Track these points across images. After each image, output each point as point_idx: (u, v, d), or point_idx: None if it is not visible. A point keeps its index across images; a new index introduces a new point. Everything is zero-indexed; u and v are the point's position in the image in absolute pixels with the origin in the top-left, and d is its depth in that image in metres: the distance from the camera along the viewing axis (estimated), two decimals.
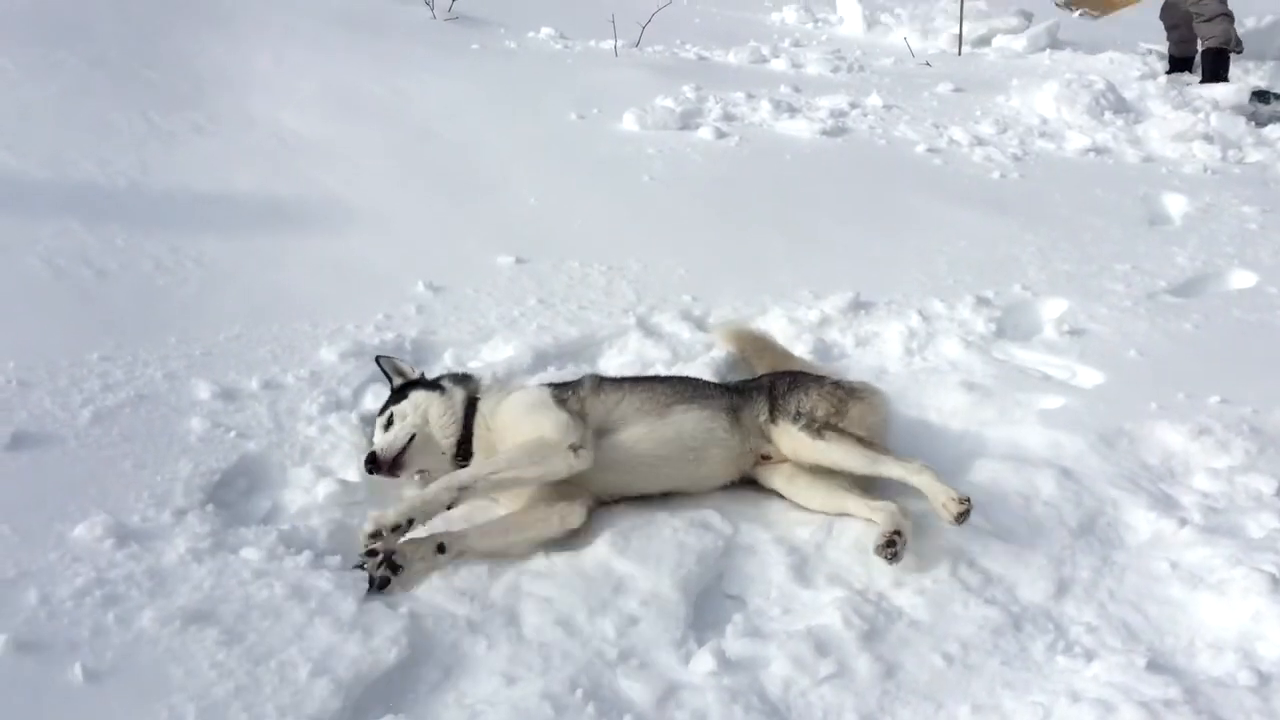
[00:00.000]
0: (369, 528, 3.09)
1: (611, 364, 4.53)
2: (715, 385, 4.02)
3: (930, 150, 8.06)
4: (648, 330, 4.78)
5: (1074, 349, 4.83)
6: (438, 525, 3.26)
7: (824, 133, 8.13)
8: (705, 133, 7.78)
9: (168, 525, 3.11)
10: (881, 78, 10.34)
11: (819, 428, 3.69)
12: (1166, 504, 3.66)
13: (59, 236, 4.79)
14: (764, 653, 2.98)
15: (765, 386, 3.96)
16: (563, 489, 3.49)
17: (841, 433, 3.69)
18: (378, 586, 3.05)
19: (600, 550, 3.35)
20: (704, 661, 2.91)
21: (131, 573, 2.89)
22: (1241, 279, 5.91)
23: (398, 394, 3.77)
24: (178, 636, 2.72)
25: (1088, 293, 5.47)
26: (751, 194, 6.74)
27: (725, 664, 2.91)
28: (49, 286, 4.40)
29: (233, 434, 3.64)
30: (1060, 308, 5.27)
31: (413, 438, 3.54)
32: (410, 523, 3.12)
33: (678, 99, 8.46)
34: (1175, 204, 7.27)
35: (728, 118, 8.26)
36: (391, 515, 3.10)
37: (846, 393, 3.90)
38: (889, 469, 3.58)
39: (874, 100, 9.20)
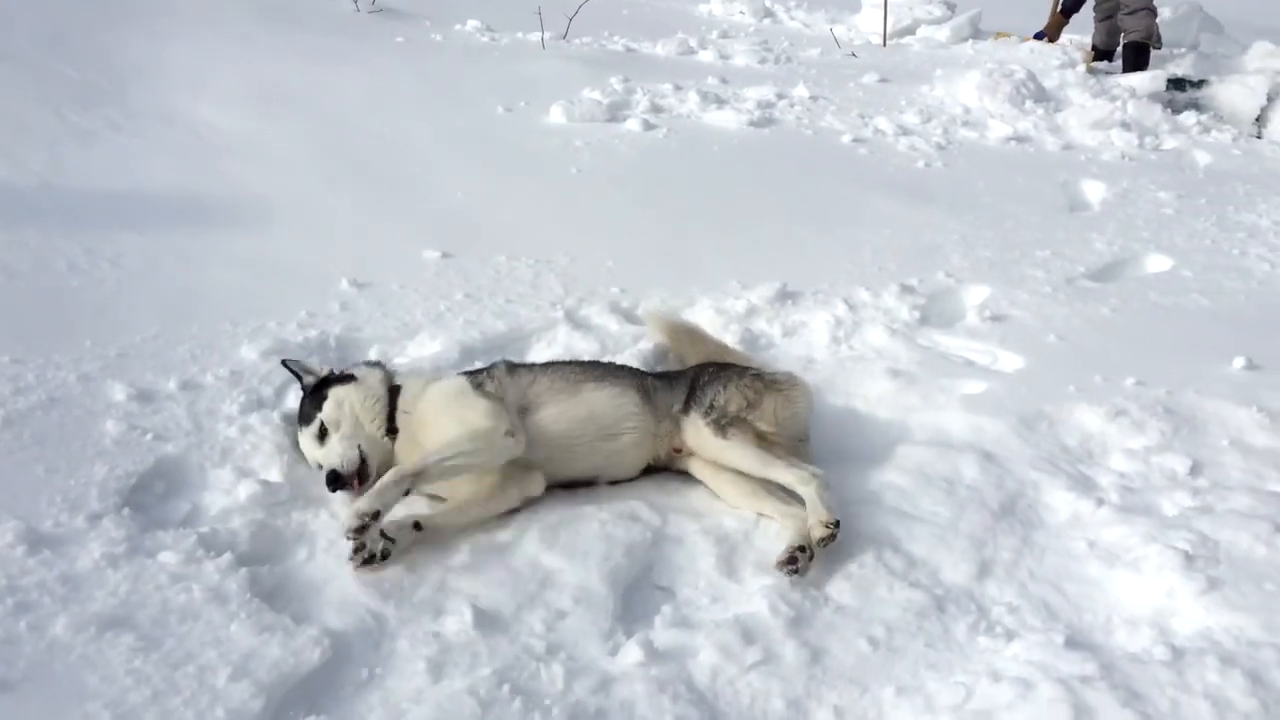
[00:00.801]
0: (353, 521, 3.09)
1: (540, 357, 4.50)
2: (629, 369, 4.06)
3: (856, 140, 8.13)
4: (576, 323, 4.77)
5: (995, 334, 4.91)
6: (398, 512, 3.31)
7: (751, 124, 8.17)
8: (633, 124, 7.77)
9: (82, 530, 3.04)
10: (808, 69, 10.43)
11: (725, 424, 3.69)
12: (1085, 484, 3.73)
13: None
14: (692, 642, 2.99)
15: (690, 376, 3.97)
16: (507, 469, 3.53)
17: (746, 431, 3.68)
18: (380, 556, 3.13)
19: (528, 546, 3.34)
20: (632, 653, 2.91)
21: (44, 579, 2.83)
22: (1157, 263, 6.05)
23: (315, 394, 3.70)
24: (93, 643, 2.66)
25: (1009, 279, 5.56)
26: (679, 185, 6.75)
27: (653, 654, 2.92)
28: None
29: (149, 436, 3.56)
30: (982, 294, 5.35)
31: (360, 448, 3.54)
32: (378, 513, 3.14)
33: (605, 91, 8.45)
34: (1094, 190, 7.43)
35: (655, 109, 8.27)
36: (364, 505, 3.12)
37: (765, 385, 3.88)
38: (780, 474, 3.56)
39: (800, 91, 9.27)
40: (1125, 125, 8.98)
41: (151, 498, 3.32)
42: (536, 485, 3.57)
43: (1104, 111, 9.11)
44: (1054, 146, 8.55)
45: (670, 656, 2.94)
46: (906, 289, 5.26)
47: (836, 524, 3.30)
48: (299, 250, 5.19)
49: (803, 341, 4.83)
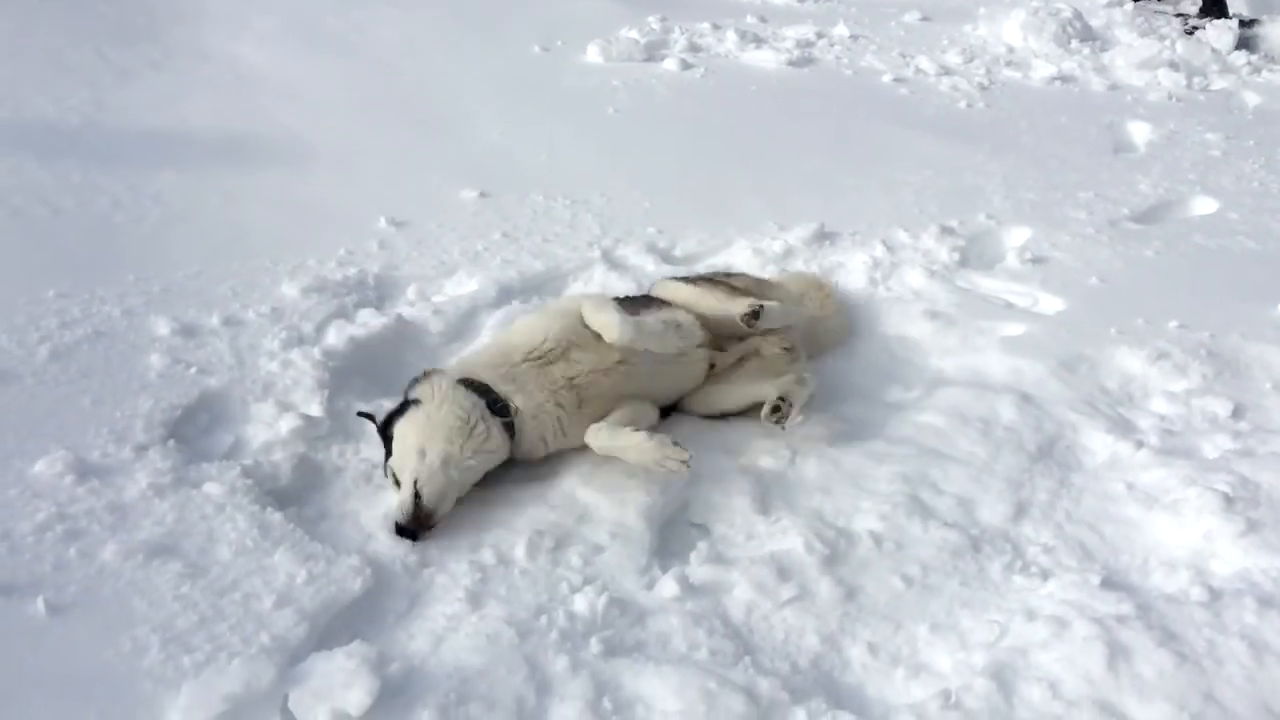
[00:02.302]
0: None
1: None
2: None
3: (897, 80, 8.03)
4: (613, 263, 4.77)
5: (1036, 276, 4.86)
6: None
7: (790, 63, 8.09)
8: (670, 64, 7.72)
9: (128, 461, 3.10)
10: (848, 7, 10.28)
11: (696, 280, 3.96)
12: (1124, 427, 3.70)
13: (13, 174, 4.73)
14: (727, 578, 3.01)
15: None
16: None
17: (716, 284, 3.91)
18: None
19: (566, 482, 3.36)
20: (668, 587, 2.94)
21: (92, 508, 2.89)
22: (1203, 205, 5.95)
23: (384, 434, 3.29)
24: (140, 570, 2.72)
25: (1051, 221, 5.49)
26: (717, 126, 6.71)
27: (689, 589, 2.94)
28: (3, 225, 4.35)
29: (193, 370, 3.61)
30: (1023, 236, 5.29)
31: (416, 485, 3.07)
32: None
33: (643, 30, 8.39)
34: (1140, 132, 7.30)
35: (693, 49, 8.19)
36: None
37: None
38: (734, 305, 3.71)
39: (840, 30, 9.15)
40: (1173, 65, 8.79)
41: (195, 430, 3.38)
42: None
43: (1151, 51, 8.91)
44: (1099, 87, 8.39)
45: (706, 591, 2.96)
46: (946, 230, 5.20)
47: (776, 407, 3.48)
48: (337, 189, 5.22)
49: (840, 282, 4.80)
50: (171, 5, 7.41)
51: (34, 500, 2.86)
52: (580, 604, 2.82)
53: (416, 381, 3.36)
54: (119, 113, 5.68)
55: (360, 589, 2.81)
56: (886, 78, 8.05)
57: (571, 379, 3.43)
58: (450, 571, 2.93)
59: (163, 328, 3.80)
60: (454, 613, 2.77)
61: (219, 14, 7.45)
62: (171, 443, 3.23)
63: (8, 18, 6.55)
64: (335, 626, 2.71)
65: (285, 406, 3.54)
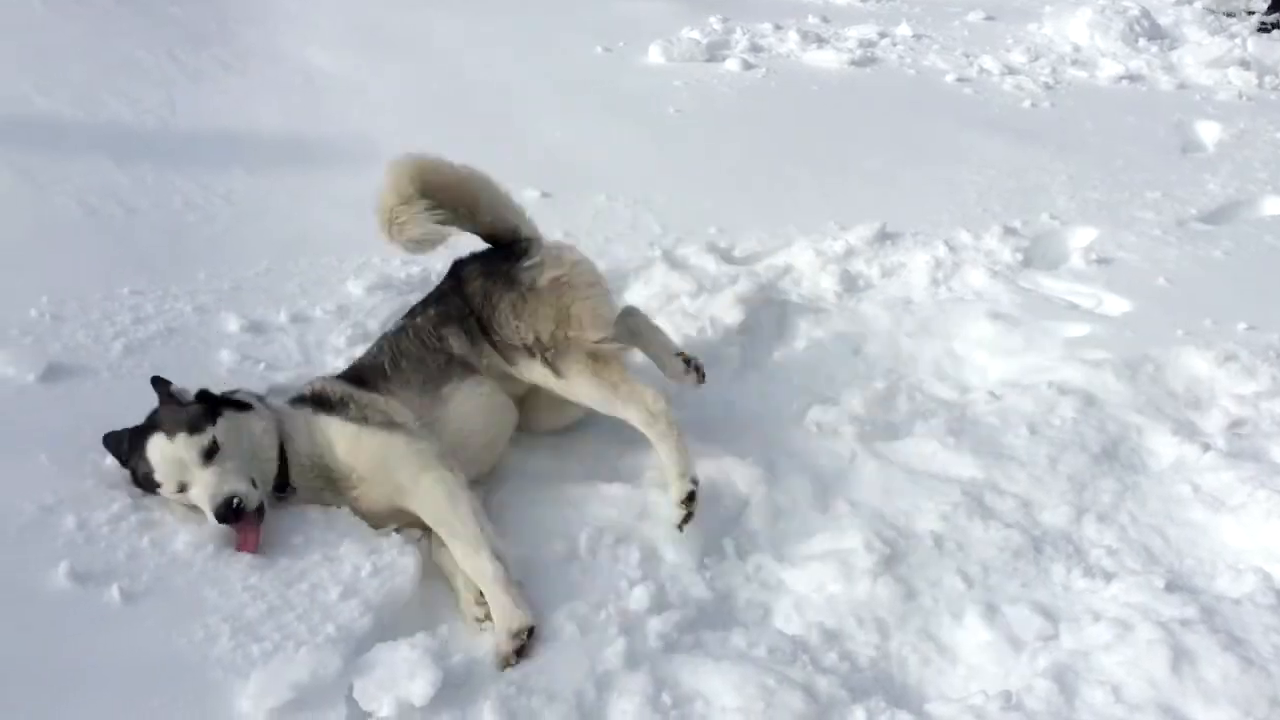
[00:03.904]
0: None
1: (638, 295, 4.53)
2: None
3: (960, 80, 7.97)
4: (673, 263, 4.78)
5: (1101, 277, 4.80)
6: None
7: (852, 63, 8.06)
8: (732, 64, 7.73)
9: None
10: (911, 6, 10.20)
11: (552, 356, 3.30)
12: (1190, 430, 3.65)
13: (90, 174, 4.85)
14: (786, 575, 3.04)
15: (462, 307, 3.45)
16: None
17: (577, 354, 3.27)
18: None
19: (627, 480, 3.37)
20: (726, 584, 2.98)
21: (165, 500, 2.95)
22: (1274, 205, 5.84)
23: (204, 404, 3.03)
24: (211, 560, 2.78)
25: (1117, 221, 5.42)
26: (778, 126, 6.70)
27: (747, 586, 2.98)
28: (80, 223, 4.46)
29: (262, 365, 3.69)
30: (1089, 236, 5.23)
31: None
32: None
33: (704, 31, 8.40)
34: (1209, 131, 7.17)
35: (755, 49, 8.19)
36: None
37: (561, 295, 3.36)
38: (630, 413, 3.24)
39: (903, 30, 9.10)
40: (1244, 64, 8.60)
41: None
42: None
43: (1221, 49, 8.74)
44: (1168, 86, 8.25)
45: (765, 588, 2.99)
46: (1009, 230, 5.16)
47: (691, 495, 3.09)
48: None
49: (901, 282, 4.78)
50: (242, 8, 7.55)
51: (109, 491, 2.93)
52: (639, 600, 2.85)
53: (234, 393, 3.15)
54: (191, 114, 5.81)
55: (422, 582, 2.87)
56: (950, 77, 7.98)
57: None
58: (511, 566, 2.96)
59: (232, 324, 3.89)
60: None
61: (287, 17, 7.57)
62: None
63: (82, 21, 6.71)
64: (398, 618, 2.76)
65: None
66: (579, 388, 3.30)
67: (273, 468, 3.01)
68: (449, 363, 3.35)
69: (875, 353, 4.23)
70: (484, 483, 3.32)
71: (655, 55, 7.78)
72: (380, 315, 4.12)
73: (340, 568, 2.82)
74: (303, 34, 7.30)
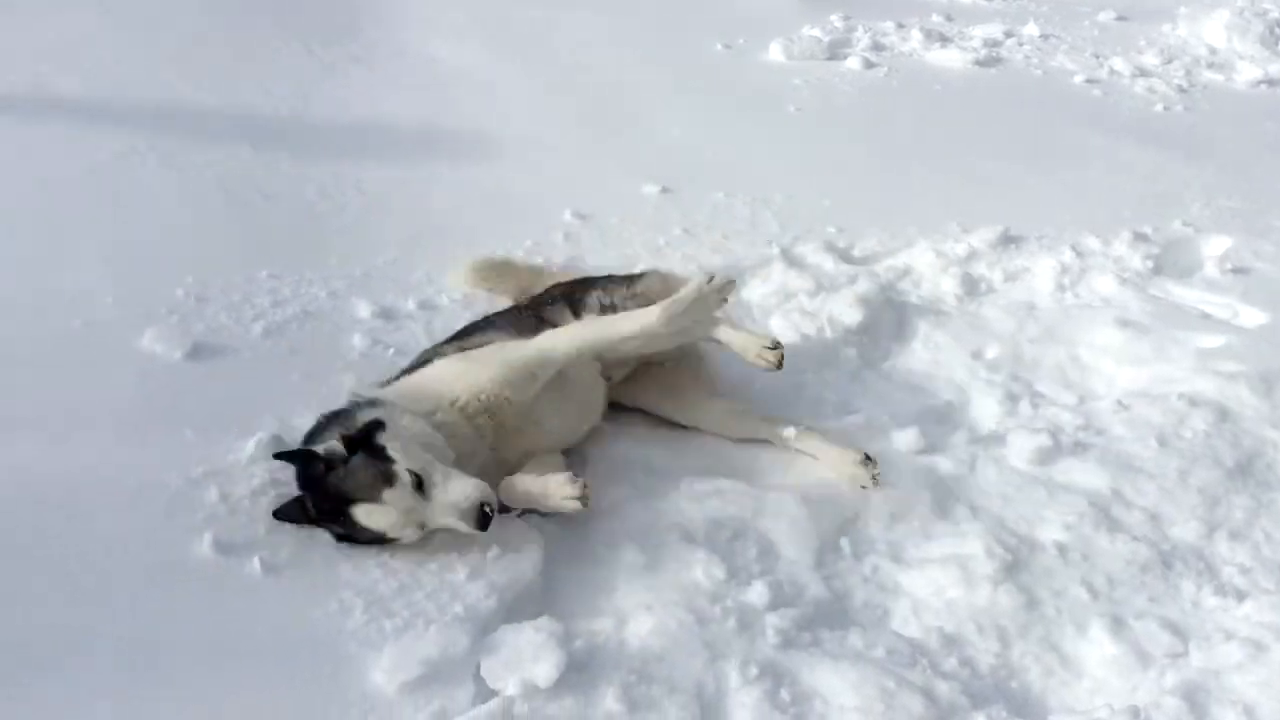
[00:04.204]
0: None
1: (755, 293, 4.54)
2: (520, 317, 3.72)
3: (1089, 81, 7.78)
4: (791, 261, 4.77)
5: (1237, 287, 4.65)
6: None
7: (977, 63, 7.93)
8: (853, 63, 7.67)
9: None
10: (1039, 5, 9.97)
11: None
12: None
13: (229, 161, 5.05)
14: (904, 578, 3.02)
15: (559, 296, 3.82)
16: None
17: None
18: None
19: (744, 475, 3.39)
20: (844, 583, 2.98)
21: None
22: None
23: (369, 446, 2.88)
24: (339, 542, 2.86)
25: (1254, 230, 5.24)
26: (899, 125, 6.63)
27: (865, 587, 2.98)
28: (221, 207, 4.65)
29: (391, 351, 3.79)
30: (1223, 245, 5.06)
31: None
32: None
33: (825, 29, 8.35)
34: None
35: (877, 47, 8.12)
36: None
37: (626, 277, 3.91)
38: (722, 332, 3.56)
39: (1030, 29, 8.92)
40: None
41: None
42: None
43: None
44: None
45: (883, 590, 2.98)
46: (1139, 237, 5.03)
47: (776, 343, 3.46)
48: (524, 181, 5.38)
49: (1025, 287, 4.70)
50: (371, 4, 7.76)
51: (250, 466, 3.05)
52: (757, 595, 2.85)
53: (362, 409, 3.03)
54: (324, 105, 6.00)
55: (546, 564, 2.93)
56: (1078, 79, 7.80)
57: (495, 430, 3.17)
58: (631, 557, 3.00)
59: (364, 310, 4.01)
60: (635, 596, 2.85)
61: (415, 12, 7.76)
62: None
63: (224, 14, 6.99)
64: (521, 601, 2.82)
65: None
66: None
67: (440, 438, 2.99)
68: (539, 324, 3.53)
69: (997, 357, 4.17)
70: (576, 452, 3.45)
71: (776, 53, 7.76)
72: (503, 304, 4.20)
73: (467, 550, 2.88)
74: (429, 29, 7.47)
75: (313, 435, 3.00)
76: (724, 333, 3.55)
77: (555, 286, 3.98)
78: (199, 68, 6.05)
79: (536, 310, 3.72)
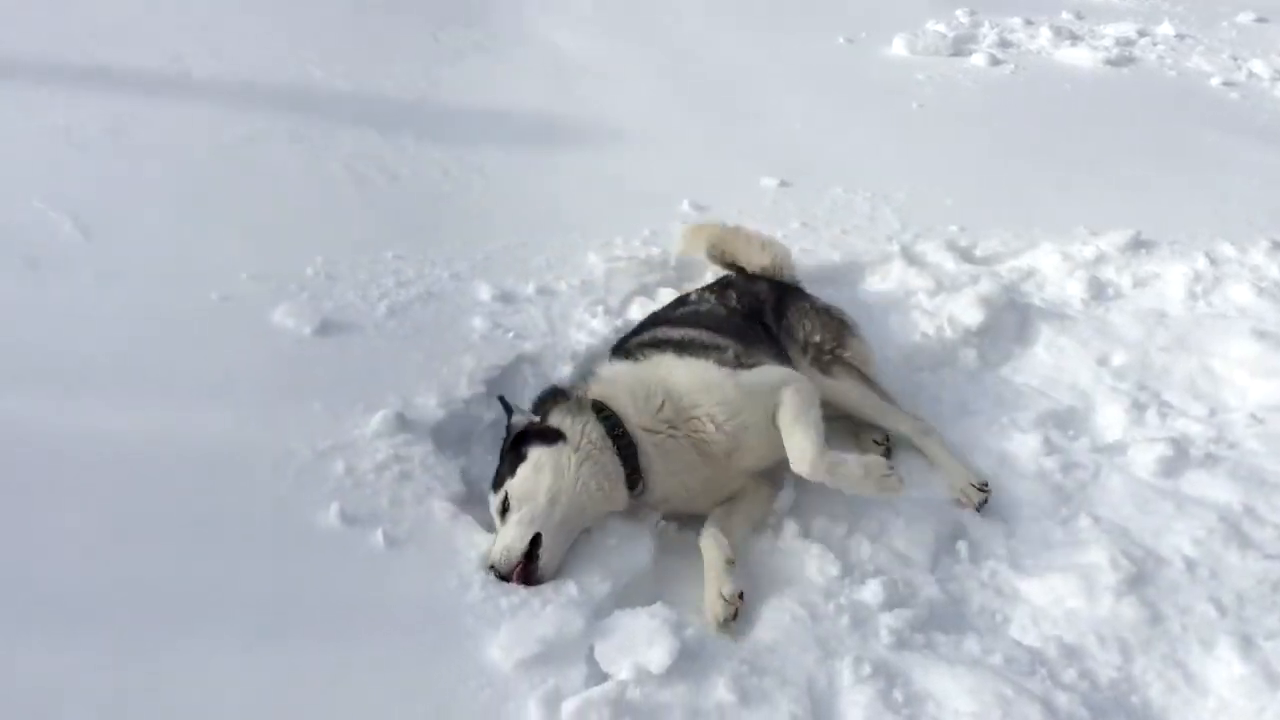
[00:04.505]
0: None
1: (873, 291, 4.49)
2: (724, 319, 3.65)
3: (1226, 84, 7.52)
4: (911, 259, 4.70)
5: None
6: None
7: (1108, 62, 7.73)
8: (979, 59, 7.54)
9: (457, 413, 3.35)
10: (1174, 5, 9.70)
11: (827, 361, 3.59)
12: None
13: (358, 143, 5.17)
14: (1023, 585, 2.96)
15: (762, 297, 3.80)
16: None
17: (848, 367, 3.59)
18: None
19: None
20: (960, 587, 2.94)
21: (423, 454, 3.12)
22: None
23: (514, 450, 3.01)
24: (456, 519, 2.93)
25: None
26: (1026, 124, 6.50)
27: (982, 592, 2.93)
28: (350, 188, 4.77)
29: (511, 334, 3.84)
30: None
31: (537, 539, 2.79)
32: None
33: (950, 24, 8.22)
34: None
35: (1003, 44, 7.96)
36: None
37: (840, 323, 3.78)
38: (899, 422, 3.48)
39: (1165, 29, 8.66)
40: None
41: (511, 389, 3.58)
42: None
43: None
44: None
45: (1000, 596, 2.93)
46: (1278, 245, 4.84)
47: (986, 486, 3.25)
48: (644, 171, 5.41)
49: (1154, 294, 4.56)
50: None
51: (374, 441, 3.13)
52: (871, 594, 2.83)
53: (553, 400, 3.10)
54: (448, 90, 6.11)
55: (657, 552, 2.96)
56: (1215, 81, 7.54)
57: (722, 459, 3.08)
58: (764, 547, 3.02)
59: (484, 293, 4.07)
60: (745, 587, 2.84)
61: (539, 2, 7.86)
62: (490, 399, 3.45)
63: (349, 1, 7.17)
64: (635, 589, 2.84)
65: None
66: (845, 390, 3.53)
67: (598, 484, 2.91)
68: (765, 334, 3.63)
69: (1123, 365, 4.05)
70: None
71: (899, 48, 7.67)
72: (620, 292, 4.23)
73: (583, 536, 2.93)
74: (553, 18, 7.56)
75: (543, 399, 3.15)
76: (934, 449, 3.43)
77: (764, 287, 3.94)
78: (329, 51, 6.20)
79: (753, 312, 3.71)
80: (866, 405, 3.53)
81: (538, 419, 3.05)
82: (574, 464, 2.90)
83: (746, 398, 3.05)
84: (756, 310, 3.76)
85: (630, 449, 2.97)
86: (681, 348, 3.25)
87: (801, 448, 2.90)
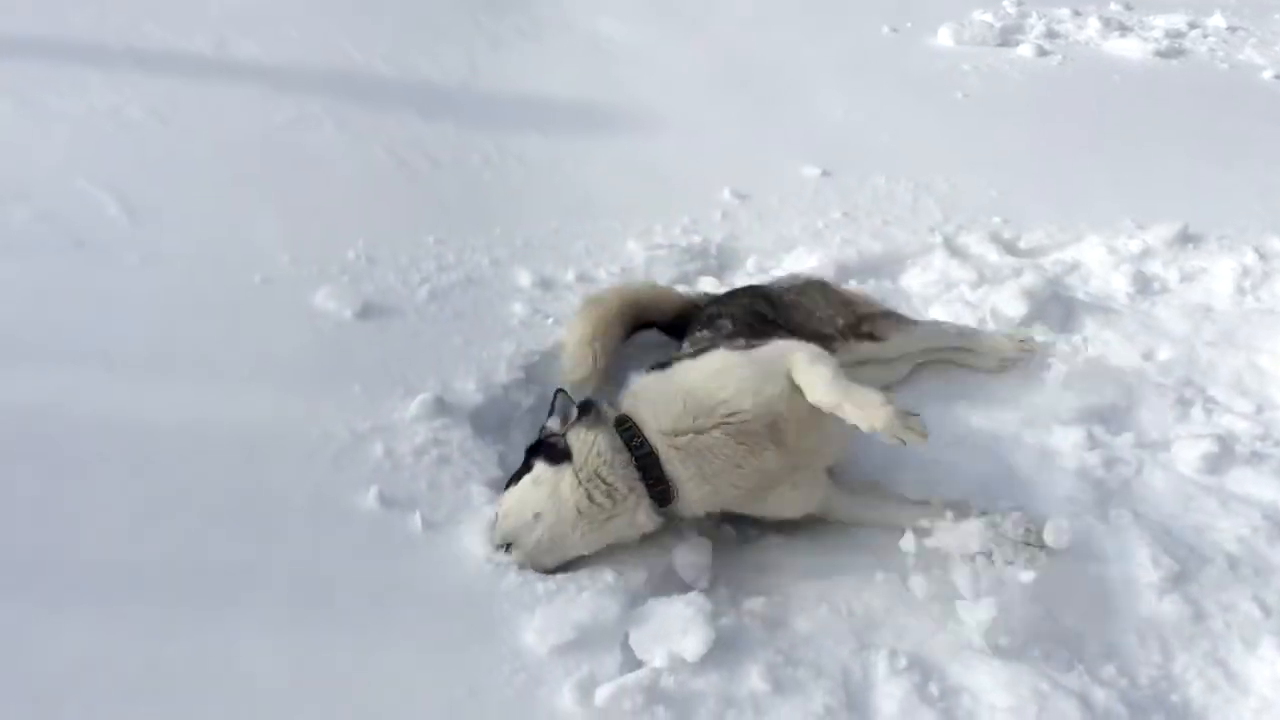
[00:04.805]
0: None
1: (915, 282, 4.46)
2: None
3: (1278, 77, 7.37)
4: (953, 250, 4.66)
5: None
6: None
7: (1158, 54, 7.61)
8: (1025, 50, 7.44)
9: (496, 398, 3.37)
10: None
11: (865, 329, 3.65)
12: None
13: (399, 127, 5.19)
14: (1060, 580, 2.90)
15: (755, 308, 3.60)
16: None
17: (886, 318, 3.73)
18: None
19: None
20: (1007, 584, 2.87)
21: (461, 438, 3.14)
22: None
23: (526, 458, 2.96)
24: (494, 503, 2.91)
25: None
26: (1073, 116, 6.41)
27: (1020, 587, 2.86)
28: (391, 173, 4.79)
29: (550, 320, 3.84)
30: None
31: (507, 544, 2.79)
32: None
33: (997, 14, 8.13)
34: None
35: (1051, 35, 7.86)
36: None
37: (836, 291, 3.82)
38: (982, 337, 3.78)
39: (1216, 20, 8.51)
40: None
41: (550, 375, 3.58)
42: None
43: None
44: None
45: (1038, 591, 2.87)
46: None
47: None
48: (685, 159, 5.39)
49: (1202, 289, 4.49)
50: None
51: (413, 424, 3.14)
52: (917, 586, 2.81)
53: (582, 412, 2.95)
54: (491, 76, 6.12)
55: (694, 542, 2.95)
56: (1267, 74, 7.40)
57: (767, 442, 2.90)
58: (803, 541, 3.01)
59: (524, 279, 4.07)
60: (783, 579, 2.84)
61: None
62: (531, 386, 3.46)
63: None
64: (670, 575, 2.84)
65: None
66: (916, 335, 3.73)
67: (600, 508, 2.80)
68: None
69: (1168, 359, 3.98)
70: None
71: (944, 37, 7.59)
72: (660, 280, 4.21)
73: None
74: (595, 5, 7.55)
75: (576, 408, 2.95)
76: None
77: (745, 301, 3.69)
78: (372, 36, 6.22)
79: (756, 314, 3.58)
80: (946, 330, 3.82)
81: (561, 432, 2.92)
82: (570, 489, 2.79)
83: (764, 370, 2.92)
84: (759, 313, 3.59)
85: (650, 459, 2.84)
86: (696, 351, 3.16)
87: (812, 380, 2.81)
